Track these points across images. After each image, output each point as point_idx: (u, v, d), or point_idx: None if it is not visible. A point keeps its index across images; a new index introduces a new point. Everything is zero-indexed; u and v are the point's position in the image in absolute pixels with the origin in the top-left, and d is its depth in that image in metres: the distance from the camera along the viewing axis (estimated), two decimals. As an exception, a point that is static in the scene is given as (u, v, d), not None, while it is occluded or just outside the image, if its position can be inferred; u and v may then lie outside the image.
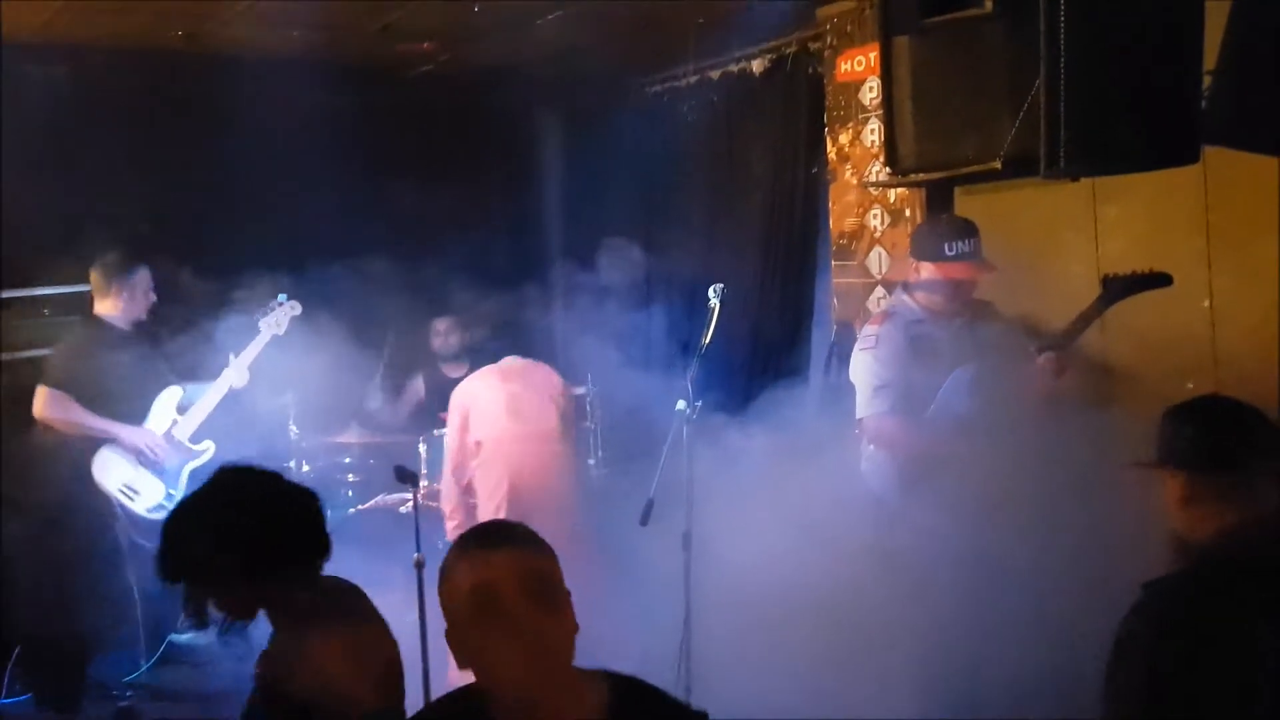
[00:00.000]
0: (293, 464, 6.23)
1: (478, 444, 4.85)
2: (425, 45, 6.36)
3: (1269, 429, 2.37)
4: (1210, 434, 2.37)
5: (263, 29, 5.64)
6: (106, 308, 5.05)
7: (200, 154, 5.76)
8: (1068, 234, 4.67)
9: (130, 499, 4.98)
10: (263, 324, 5.18)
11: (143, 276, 5.06)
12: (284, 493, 2.56)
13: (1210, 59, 3.54)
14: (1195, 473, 2.34)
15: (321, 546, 2.62)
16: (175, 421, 5.13)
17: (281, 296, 5.23)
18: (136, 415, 5.04)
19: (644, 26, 6.05)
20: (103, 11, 5.33)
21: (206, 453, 5.18)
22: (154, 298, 5.12)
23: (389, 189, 6.04)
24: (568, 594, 1.90)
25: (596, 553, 4.98)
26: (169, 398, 5.13)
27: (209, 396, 5.17)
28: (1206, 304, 4.23)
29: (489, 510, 4.80)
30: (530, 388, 4.94)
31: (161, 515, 4.73)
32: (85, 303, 5.07)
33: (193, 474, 5.10)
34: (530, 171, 7.44)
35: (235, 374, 5.17)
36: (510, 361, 5.02)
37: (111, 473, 4.96)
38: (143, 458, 5.00)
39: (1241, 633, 2.09)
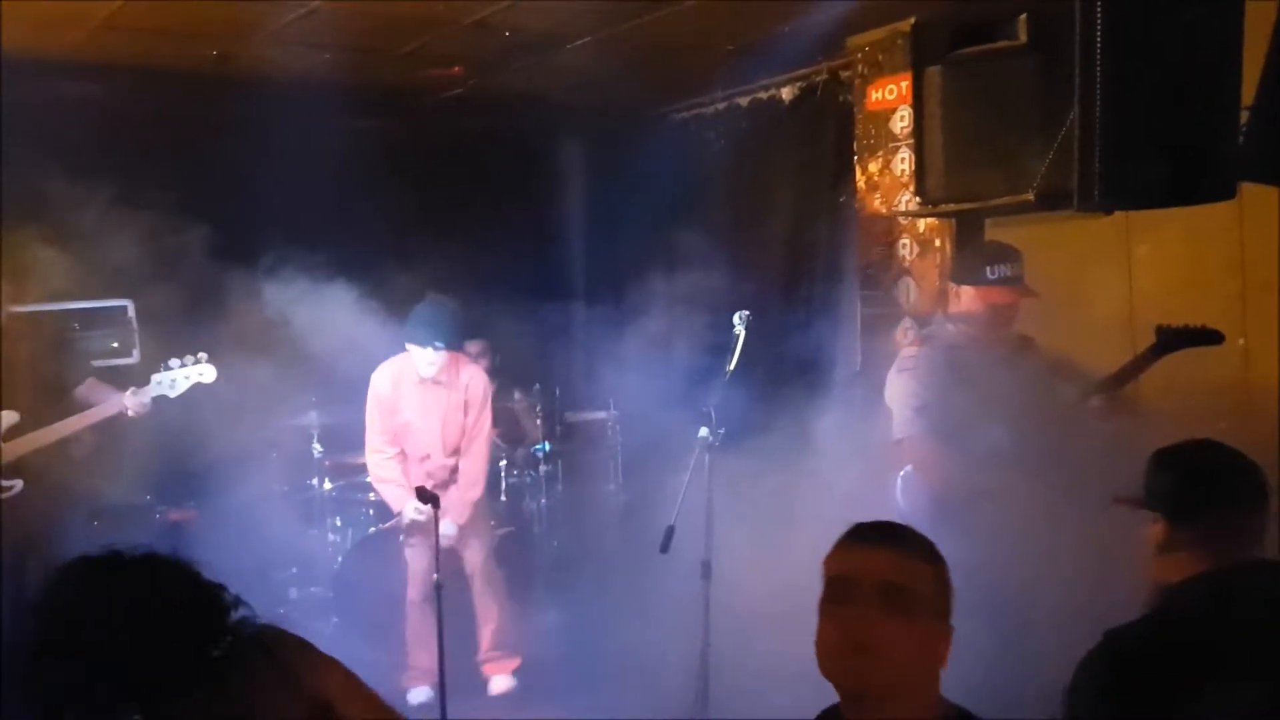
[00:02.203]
0: (315, 481, 6.26)
1: None
2: (452, 70, 6.40)
3: (1253, 479, 2.32)
4: (1188, 482, 2.33)
5: (293, 52, 5.69)
6: None
7: (227, 173, 5.78)
8: (1100, 269, 4.63)
9: None
10: (155, 378, 4.64)
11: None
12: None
13: (1248, 94, 3.51)
14: (1170, 519, 2.32)
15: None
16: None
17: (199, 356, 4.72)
18: None
19: (672, 53, 6.07)
20: (137, 33, 5.39)
21: (11, 490, 4.59)
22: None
23: (414, 212, 6.06)
24: (940, 613, 1.94)
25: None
26: (5, 420, 4.62)
27: (45, 432, 4.61)
28: (1241, 342, 4.18)
29: None
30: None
31: None
32: (112, 317, 5.04)
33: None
34: (556, 198, 7.47)
35: (98, 415, 4.62)
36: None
37: None
38: None
39: (1190, 685, 2.01)
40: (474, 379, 5.42)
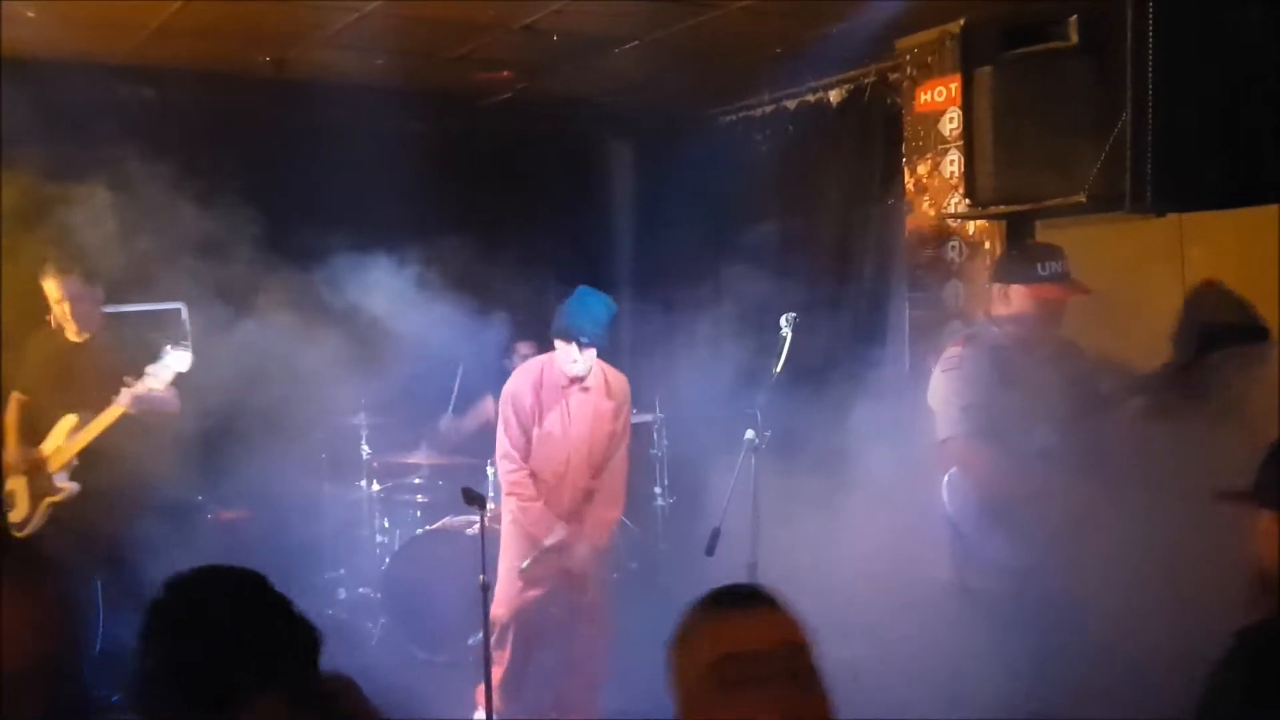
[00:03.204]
0: (363, 483, 6.34)
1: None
2: (503, 74, 6.45)
3: None
4: None
5: (346, 56, 5.77)
6: (56, 317, 4.92)
7: (280, 176, 5.88)
8: (1153, 271, 4.58)
9: (10, 509, 4.91)
10: (151, 371, 4.76)
11: (60, 291, 4.82)
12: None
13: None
14: None
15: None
16: (57, 449, 4.85)
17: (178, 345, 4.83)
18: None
19: (720, 56, 6.08)
20: (193, 37, 5.48)
21: (66, 491, 4.83)
22: (83, 312, 4.86)
23: (464, 216, 6.11)
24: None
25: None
26: (65, 424, 4.85)
27: (88, 430, 4.80)
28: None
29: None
30: None
31: (22, 534, 4.73)
32: (165, 320, 5.12)
33: (50, 507, 4.82)
34: (604, 200, 7.52)
35: (113, 415, 4.77)
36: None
37: (8, 480, 4.92)
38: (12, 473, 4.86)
39: None
40: (618, 382, 4.86)
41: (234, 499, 5.83)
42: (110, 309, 5.02)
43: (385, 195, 5.74)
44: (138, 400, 4.75)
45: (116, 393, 4.75)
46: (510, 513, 4.83)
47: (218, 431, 5.21)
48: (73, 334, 4.91)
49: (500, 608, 4.71)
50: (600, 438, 4.77)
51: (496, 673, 4.59)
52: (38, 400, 4.94)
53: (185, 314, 5.22)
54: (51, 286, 4.86)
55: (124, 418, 4.77)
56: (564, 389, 4.72)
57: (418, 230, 5.74)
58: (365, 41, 5.53)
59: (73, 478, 4.86)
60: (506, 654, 4.76)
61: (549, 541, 4.67)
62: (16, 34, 5.01)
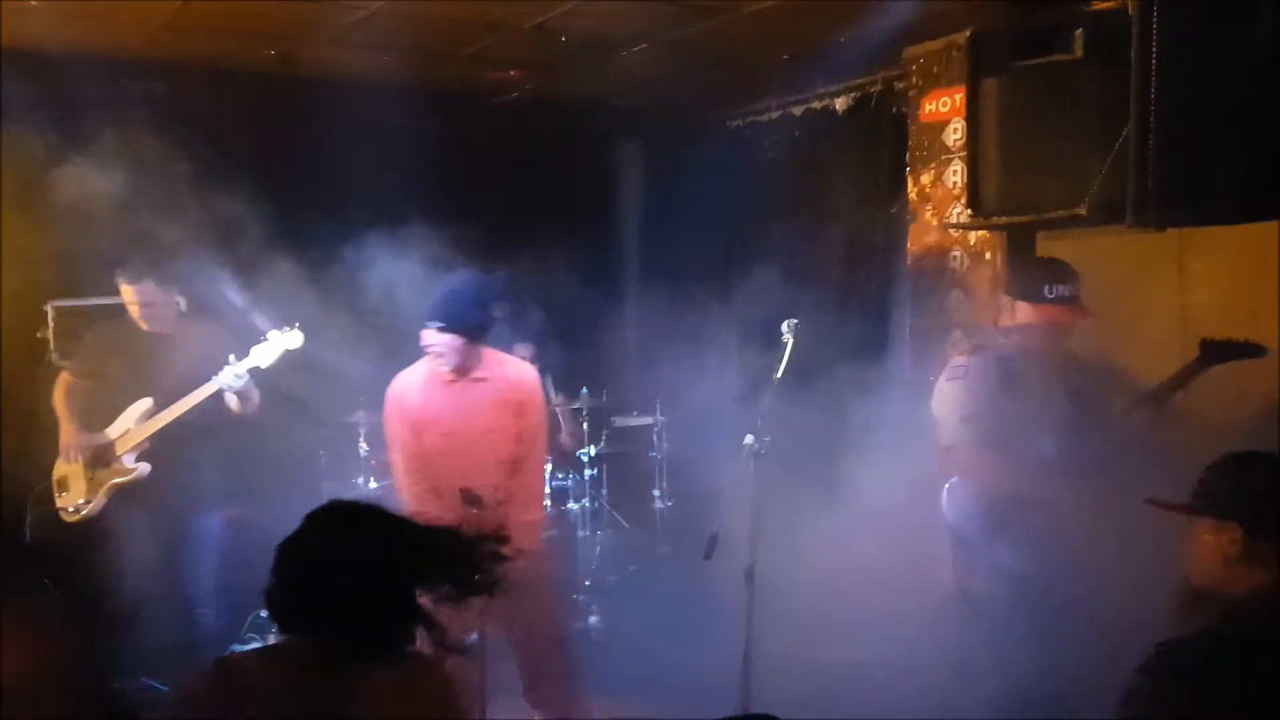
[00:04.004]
0: (361, 480, 6.36)
1: None
2: (512, 73, 6.47)
3: None
4: (1274, 489, 2.26)
5: (355, 53, 5.81)
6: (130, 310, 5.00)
7: (289, 172, 5.90)
8: (1153, 284, 4.60)
9: (59, 494, 5.02)
10: (255, 350, 4.85)
11: (139, 296, 4.92)
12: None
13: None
14: (1249, 528, 2.23)
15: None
16: (126, 431, 4.93)
17: (281, 329, 4.90)
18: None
19: (728, 61, 6.11)
20: (203, 33, 5.52)
21: (135, 473, 4.92)
22: (160, 315, 4.96)
23: (470, 214, 6.11)
24: None
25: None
26: (137, 408, 4.93)
27: (168, 412, 4.88)
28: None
29: None
30: None
31: (77, 518, 4.89)
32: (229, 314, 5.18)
33: (115, 490, 4.92)
34: (612, 201, 7.53)
35: (207, 391, 4.85)
36: None
37: (56, 467, 5.02)
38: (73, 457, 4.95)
39: (1261, 698, 1.99)
40: (520, 374, 4.46)
41: (238, 495, 5.83)
42: (102, 300, 5.08)
43: (391, 191, 5.75)
44: (237, 378, 4.81)
45: (189, 383, 4.83)
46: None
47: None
48: (143, 327, 4.98)
49: None
50: (504, 435, 4.32)
51: None
52: (101, 385, 4.99)
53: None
54: (126, 291, 4.95)
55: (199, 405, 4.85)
56: (448, 384, 4.30)
57: (423, 229, 5.75)
58: (374, 39, 5.56)
59: (141, 459, 4.93)
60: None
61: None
62: (25, 26, 5.05)
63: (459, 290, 4.28)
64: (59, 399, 5.03)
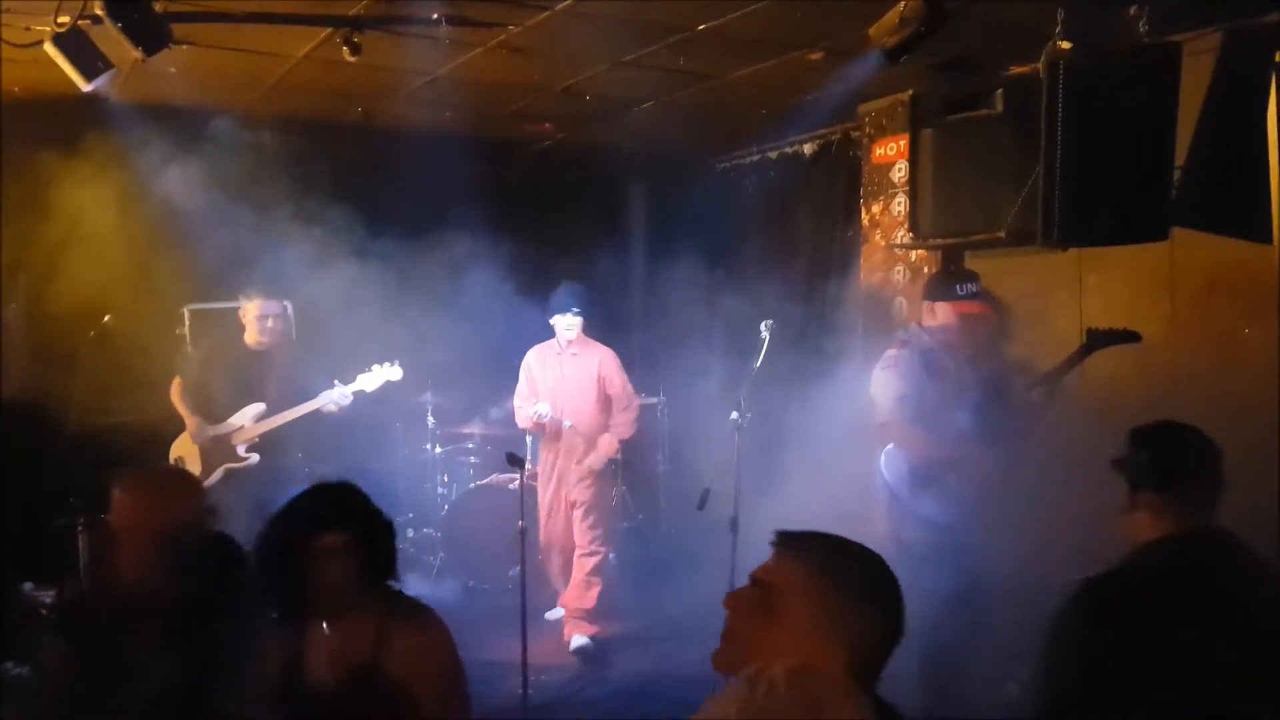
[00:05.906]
0: (428, 446, 6.38)
1: None
2: (546, 126, 6.47)
3: (1212, 455, 2.26)
4: (1162, 457, 2.25)
5: (422, 110, 5.80)
6: (244, 329, 4.93)
7: (370, 206, 5.87)
8: (1057, 294, 4.59)
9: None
10: (361, 378, 4.90)
11: (260, 311, 4.82)
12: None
13: (1180, 155, 3.50)
14: (1146, 488, 2.24)
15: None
16: (240, 427, 4.84)
17: (387, 363, 4.96)
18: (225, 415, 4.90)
19: (717, 115, 6.09)
20: (300, 93, 5.52)
21: (247, 461, 4.84)
22: (276, 328, 4.87)
23: (507, 242, 6.09)
24: None
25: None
26: (250, 410, 4.83)
27: (280, 416, 4.82)
28: (1169, 357, 4.12)
29: None
30: None
31: None
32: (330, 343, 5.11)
33: (228, 472, 4.82)
34: (622, 228, 7.52)
35: (315, 405, 4.81)
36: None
37: (174, 446, 4.93)
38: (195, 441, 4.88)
39: (1165, 628, 1.97)
40: (605, 351, 5.14)
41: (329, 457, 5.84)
42: (224, 305, 5.02)
43: (449, 222, 5.76)
44: (343, 397, 4.79)
45: (297, 393, 4.77)
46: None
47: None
48: (253, 342, 4.87)
49: (542, 532, 5.17)
50: (594, 388, 5.07)
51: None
52: (216, 389, 4.87)
53: (290, 310, 5.19)
54: (253, 306, 4.84)
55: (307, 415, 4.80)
56: (558, 355, 5.11)
57: (472, 252, 5.76)
58: (437, 99, 5.55)
59: (251, 450, 4.87)
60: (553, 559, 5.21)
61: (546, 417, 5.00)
62: (158, 87, 5.05)
63: (582, 290, 5.10)
64: (175, 396, 4.93)
